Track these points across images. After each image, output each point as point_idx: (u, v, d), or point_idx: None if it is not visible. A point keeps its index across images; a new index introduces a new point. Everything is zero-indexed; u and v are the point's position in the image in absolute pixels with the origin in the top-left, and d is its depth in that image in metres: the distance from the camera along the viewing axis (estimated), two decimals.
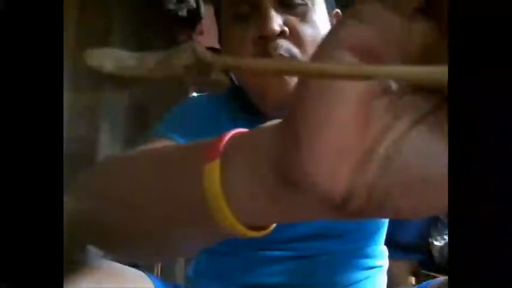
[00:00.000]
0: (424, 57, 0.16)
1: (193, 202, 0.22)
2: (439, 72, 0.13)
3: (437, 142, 0.16)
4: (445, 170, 0.15)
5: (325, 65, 0.14)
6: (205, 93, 0.65)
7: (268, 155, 0.19)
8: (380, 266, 0.58)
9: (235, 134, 0.23)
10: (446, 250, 1.72)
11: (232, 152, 0.21)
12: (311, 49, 0.50)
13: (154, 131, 0.52)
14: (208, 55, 0.15)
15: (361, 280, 0.54)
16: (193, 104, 0.62)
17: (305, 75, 0.16)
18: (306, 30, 0.50)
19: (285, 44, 0.49)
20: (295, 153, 0.17)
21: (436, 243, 1.78)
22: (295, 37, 0.50)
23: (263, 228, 0.24)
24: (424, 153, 0.16)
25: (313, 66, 0.15)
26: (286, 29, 0.49)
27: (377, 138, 0.16)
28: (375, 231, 0.56)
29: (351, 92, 0.16)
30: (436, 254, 1.78)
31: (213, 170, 0.21)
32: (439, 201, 0.16)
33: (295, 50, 0.49)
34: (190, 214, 0.24)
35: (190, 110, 0.58)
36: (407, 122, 0.16)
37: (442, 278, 0.52)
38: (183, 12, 1.39)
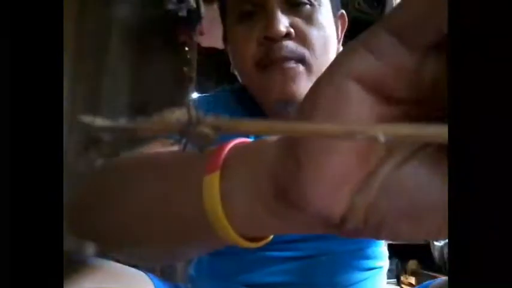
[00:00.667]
0: (435, 94, 0.15)
1: (192, 212, 0.22)
2: (441, 132, 0.13)
3: (436, 169, 0.16)
4: (443, 197, 0.15)
5: (320, 126, 0.14)
6: (207, 94, 0.65)
7: (269, 169, 0.19)
8: (380, 267, 0.58)
9: (237, 143, 0.23)
10: (446, 250, 1.72)
11: (234, 163, 0.22)
12: (318, 50, 0.50)
13: None
14: (201, 113, 0.15)
15: (361, 281, 0.54)
16: (195, 105, 0.61)
17: (300, 135, 0.16)
18: (312, 32, 0.50)
19: (290, 45, 0.49)
20: (295, 175, 0.17)
21: (436, 243, 1.78)
22: (301, 39, 0.50)
23: (262, 238, 0.24)
24: (422, 180, 0.16)
25: (307, 126, 0.14)
26: (292, 30, 0.49)
27: (377, 164, 0.16)
28: None
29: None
30: (436, 254, 1.78)
31: (213, 182, 0.21)
32: (436, 227, 0.16)
33: (302, 51, 0.49)
34: (189, 223, 0.24)
35: None
36: (408, 149, 0.16)
37: (443, 278, 0.52)
38: (183, 12, 1.39)
